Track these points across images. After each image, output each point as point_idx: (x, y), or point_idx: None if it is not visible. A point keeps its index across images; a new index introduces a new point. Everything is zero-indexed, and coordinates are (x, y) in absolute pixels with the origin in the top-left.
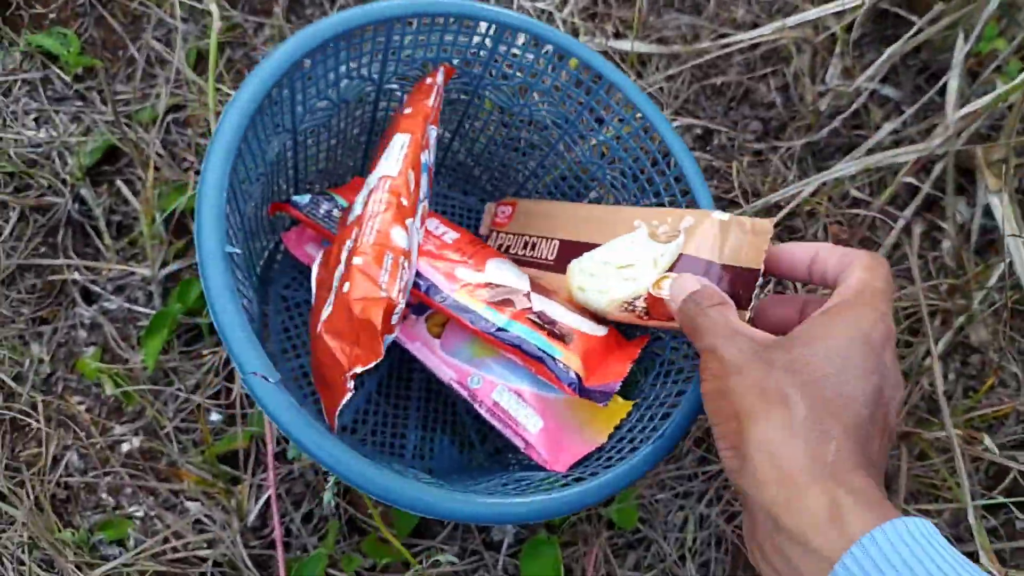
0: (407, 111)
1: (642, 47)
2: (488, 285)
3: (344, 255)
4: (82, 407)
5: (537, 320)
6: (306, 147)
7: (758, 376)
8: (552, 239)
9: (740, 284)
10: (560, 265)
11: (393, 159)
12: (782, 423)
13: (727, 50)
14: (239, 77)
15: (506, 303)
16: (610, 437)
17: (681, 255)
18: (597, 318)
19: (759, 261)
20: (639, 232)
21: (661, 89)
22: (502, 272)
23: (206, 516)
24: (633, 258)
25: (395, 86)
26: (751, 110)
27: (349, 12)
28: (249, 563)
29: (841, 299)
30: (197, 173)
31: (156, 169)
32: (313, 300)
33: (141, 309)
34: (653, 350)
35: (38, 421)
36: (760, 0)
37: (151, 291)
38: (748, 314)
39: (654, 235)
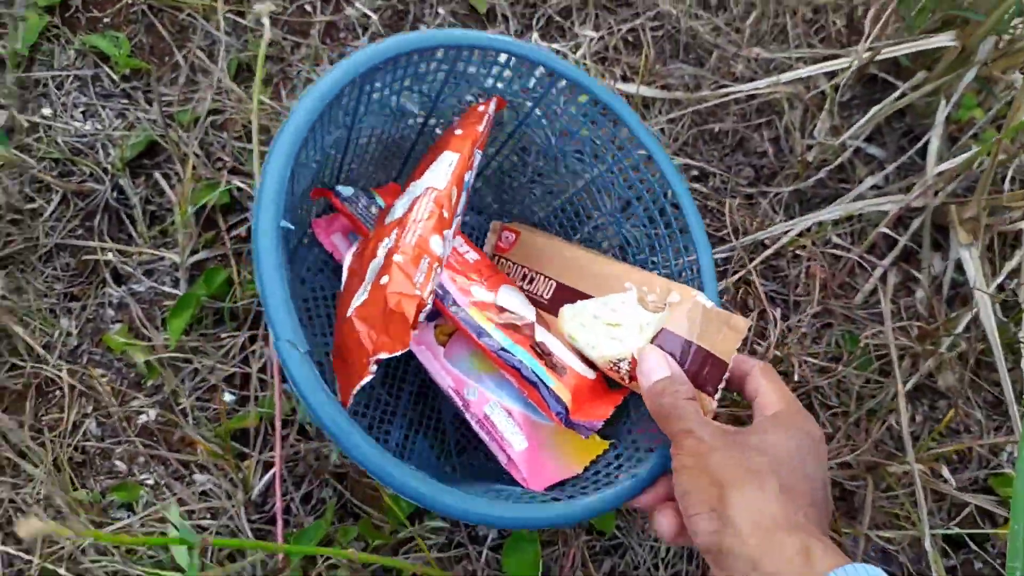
0: (458, 132)
1: (647, 91)
2: (499, 308)
3: (381, 251)
4: (104, 379)
5: (538, 349)
6: (357, 145)
7: (736, 455)
8: (550, 279)
9: (711, 371)
10: (554, 306)
11: (441, 173)
12: (761, 490)
13: (725, 99)
14: (275, 89)
15: (512, 327)
16: (585, 469)
17: (663, 328)
18: (588, 361)
19: (729, 355)
20: (629, 295)
21: (662, 131)
22: (512, 299)
23: (214, 487)
24: (621, 319)
25: (447, 106)
26: (745, 157)
27: (442, 31)
28: (250, 534)
29: (782, 406)
30: (231, 172)
31: (192, 167)
32: (343, 286)
33: (168, 290)
34: None
35: (62, 388)
36: (758, 57)
37: (178, 276)
38: (714, 403)
39: (642, 301)
